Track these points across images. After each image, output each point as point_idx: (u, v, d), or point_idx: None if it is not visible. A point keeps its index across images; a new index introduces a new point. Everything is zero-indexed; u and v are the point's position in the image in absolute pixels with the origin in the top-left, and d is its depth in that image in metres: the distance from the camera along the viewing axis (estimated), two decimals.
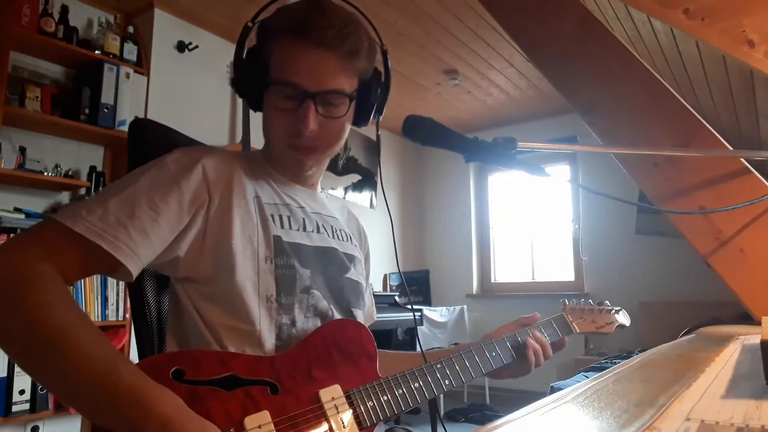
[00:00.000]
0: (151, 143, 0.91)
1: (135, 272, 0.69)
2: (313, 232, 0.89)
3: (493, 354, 0.92)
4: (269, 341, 0.77)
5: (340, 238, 0.95)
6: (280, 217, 0.85)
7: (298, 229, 0.87)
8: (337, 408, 0.74)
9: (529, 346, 0.94)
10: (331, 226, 0.94)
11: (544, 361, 0.96)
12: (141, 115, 2.85)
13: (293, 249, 0.83)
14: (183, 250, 0.75)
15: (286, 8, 0.80)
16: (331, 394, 0.75)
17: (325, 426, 0.72)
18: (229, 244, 0.76)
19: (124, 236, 0.67)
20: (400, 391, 0.80)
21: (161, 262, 0.75)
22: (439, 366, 0.86)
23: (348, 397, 0.76)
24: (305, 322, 0.81)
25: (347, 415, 0.74)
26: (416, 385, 0.82)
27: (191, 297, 0.78)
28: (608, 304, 1.14)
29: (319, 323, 0.83)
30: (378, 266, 4.74)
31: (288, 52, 0.78)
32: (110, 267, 0.68)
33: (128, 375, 0.60)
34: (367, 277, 1.01)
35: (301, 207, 0.90)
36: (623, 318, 1.15)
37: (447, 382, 0.86)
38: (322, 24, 0.77)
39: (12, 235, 2.35)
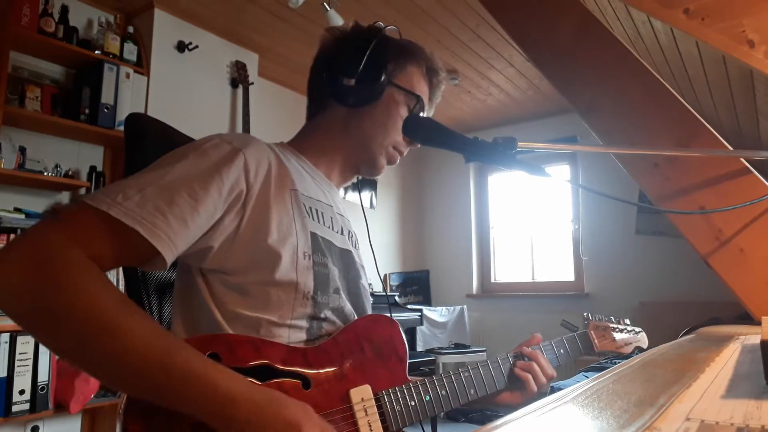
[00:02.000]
0: (146, 137, 0.91)
1: (170, 261, 0.66)
2: (338, 232, 0.89)
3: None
4: (298, 337, 0.76)
5: (354, 244, 0.95)
6: (316, 211, 0.84)
7: (329, 227, 0.86)
8: (365, 410, 0.74)
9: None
10: (349, 231, 0.95)
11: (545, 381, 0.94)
12: None
13: (326, 246, 0.83)
14: (217, 242, 0.72)
15: (423, 49, 0.99)
16: (361, 395, 0.74)
17: (352, 428, 0.72)
18: (266, 238, 0.73)
19: (162, 223, 0.64)
20: (428, 397, 0.80)
21: (191, 252, 0.72)
22: (466, 374, 0.86)
23: (377, 399, 0.76)
24: (334, 323, 0.80)
25: (374, 419, 0.74)
26: (443, 392, 0.82)
27: (211, 287, 0.75)
28: (628, 323, 1.13)
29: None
30: (378, 266, 4.73)
31: (421, 79, 0.96)
32: (145, 256, 0.65)
33: (187, 353, 0.60)
34: None
35: (330, 205, 0.90)
36: (642, 340, 1.14)
37: (473, 391, 0.85)
38: (441, 77, 1.01)
39: (12, 235, 2.34)
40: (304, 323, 0.76)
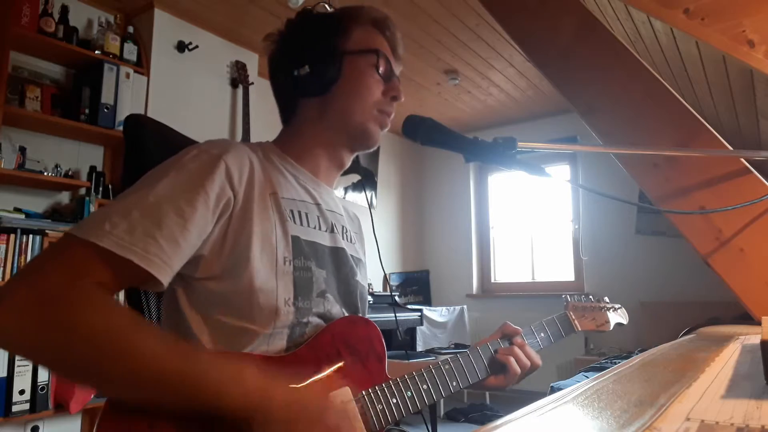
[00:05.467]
0: (146, 139, 0.91)
1: (167, 282, 0.66)
2: (326, 231, 0.88)
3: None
4: (279, 344, 0.75)
5: (349, 239, 0.95)
6: (299, 213, 0.83)
7: (315, 228, 0.85)
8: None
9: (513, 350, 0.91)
10: (342, 226, 0.94)
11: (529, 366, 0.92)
12: None
13: (311, 249, 0.82)
14: (207, 250, 0.72)
15: (360, 7, 0.93)
16: (341, 398, 0.74)
17: None
18: (247, 244, 0.73)
19: (154, 248, 0.64)
20: (409, 393, 0.80)
21: (186, 264, 0.72)
22: (447, 367, 0.85)
23: (357, 401, 0.75)
24: (318, 327, 0.80)
25: (356, 420, 0.74)
26: (425, 386, 0.82)
27: (196, 296, 0.74)
28: (608, 300, 1.13)
29: None
30: (378, 266, 4.73)
31: (373, 35, 0.92)
32: (141, 279, 0.66)
33: (202, 362, 0.63)
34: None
35: (317, 204, 0.89)
36: (621, 316, 1.13)
37: (455, 383, 0.85)
38: (391, 24, 0.95)
39: (12, 235, 2.34)
40: (285, 330, 0.76)
